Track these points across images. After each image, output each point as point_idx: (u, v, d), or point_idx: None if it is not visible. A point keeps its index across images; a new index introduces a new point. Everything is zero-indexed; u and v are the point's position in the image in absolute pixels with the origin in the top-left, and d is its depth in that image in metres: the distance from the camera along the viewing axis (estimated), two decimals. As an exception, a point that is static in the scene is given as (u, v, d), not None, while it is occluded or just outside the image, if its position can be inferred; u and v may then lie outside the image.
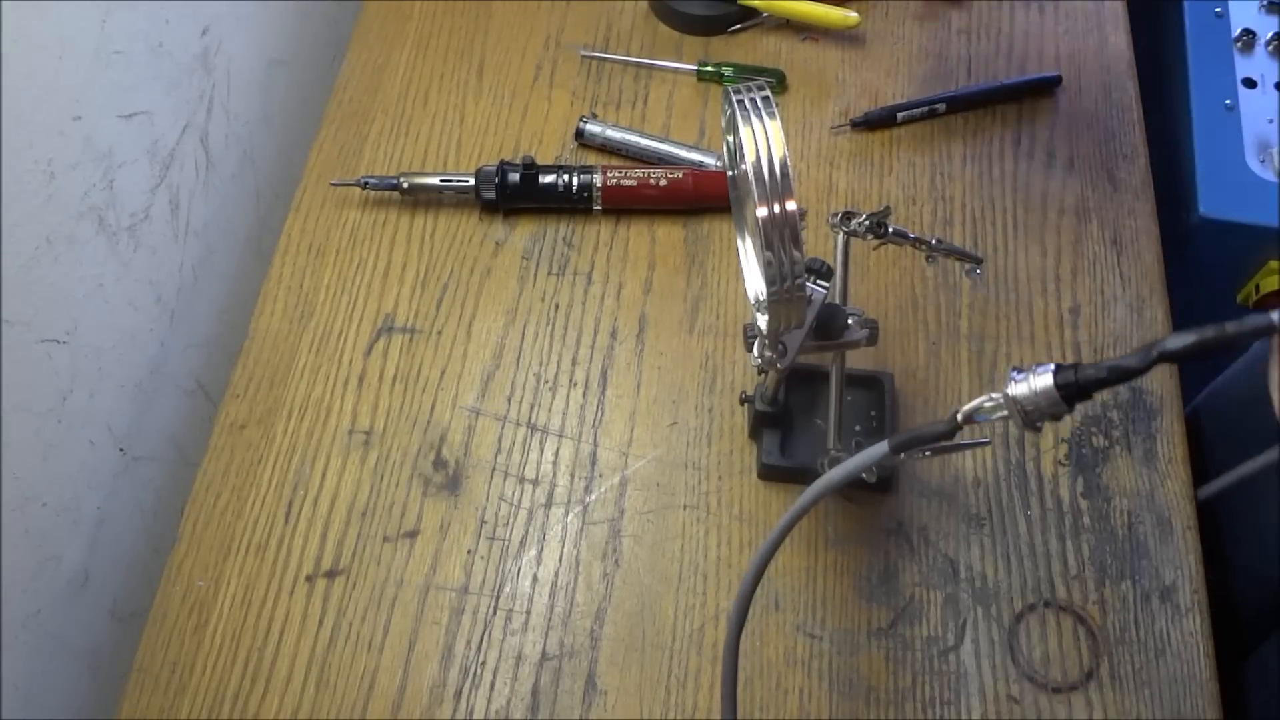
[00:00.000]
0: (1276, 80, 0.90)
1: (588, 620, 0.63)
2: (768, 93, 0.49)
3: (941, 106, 0.82)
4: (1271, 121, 0.88)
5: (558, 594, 0.64)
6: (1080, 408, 0.70)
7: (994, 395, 0.42)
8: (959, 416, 0.42)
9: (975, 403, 0.42)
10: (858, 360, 0.66)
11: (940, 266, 0.75)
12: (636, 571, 0.65)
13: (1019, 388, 0.40)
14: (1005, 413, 0.41)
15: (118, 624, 0.70)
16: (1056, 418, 0.40)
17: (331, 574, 0.65)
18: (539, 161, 0.77)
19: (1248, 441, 0.76)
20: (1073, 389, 0.39)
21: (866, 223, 0.60)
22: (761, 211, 0.47)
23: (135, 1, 0.67)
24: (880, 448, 0.44)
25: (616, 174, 0.77)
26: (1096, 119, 0.83)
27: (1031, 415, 0.40)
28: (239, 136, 0.82)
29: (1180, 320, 0.75)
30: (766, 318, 0.52)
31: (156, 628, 0.64)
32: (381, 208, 0.79)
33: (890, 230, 0.60)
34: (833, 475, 0.45)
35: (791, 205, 0.47)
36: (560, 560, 0.65)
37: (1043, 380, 0.40)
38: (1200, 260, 0.86)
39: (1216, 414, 0.35)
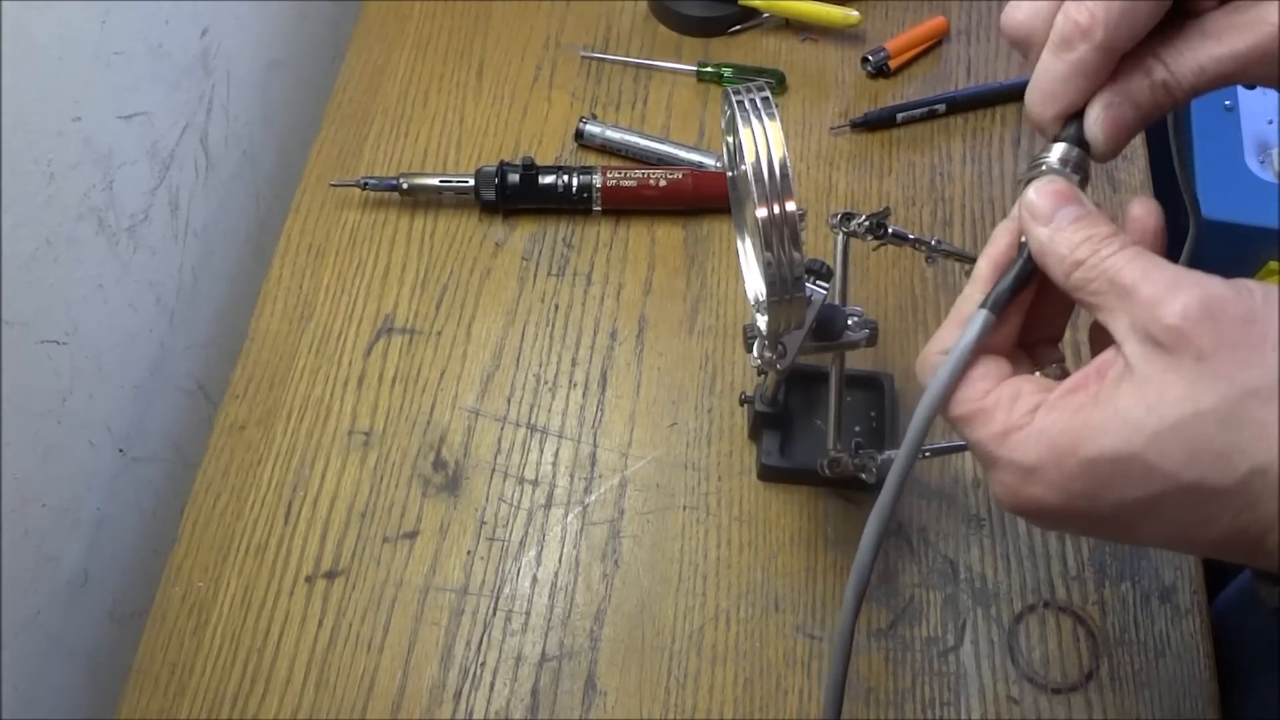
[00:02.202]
0: (1276, 81, 0.90)
1: (587, 621, 0.63)
2: (767, 93, 0.49)
3: (941, 107, 0.82)
4: (1271, 122, 0.88)
5: (557, 595, 0.64)
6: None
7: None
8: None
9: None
10: (858, 360, 0.66)
11: (940, 267, 0.75)
12: (636, 572, 0.65)
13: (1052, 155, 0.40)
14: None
15: (117, 624, 0.70)
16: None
17: (331, 575, 0.65)
18: (539, 162, 0.77)
19: None
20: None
21: (866, 223, 0.60)
22: (761, 212, 0.47)
23: (135, 2, 0.67)
24: (980, 315, 0.40)
25: (616, 175, 0.77)
26: (1096, 119, 0.83)
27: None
28: (239, 137, 0.82)
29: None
30: (766, 318, 0.52)
31: (156, 628, 0.64)
32: (381, 208, 0.79)
33: (890, 231, 0.60)
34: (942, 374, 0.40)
35: (791, 206, 0.47)
36: (560, 561, 0.65)
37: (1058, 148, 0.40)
38: (1200, 260, 0.86)
39: None
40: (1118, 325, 0.35)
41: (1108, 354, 0.37)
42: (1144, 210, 0.40)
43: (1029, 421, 0.37)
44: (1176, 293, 0.33)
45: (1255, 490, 0.33)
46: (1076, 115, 0.40)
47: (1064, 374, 0.41)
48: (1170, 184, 0.87)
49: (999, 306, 0.39)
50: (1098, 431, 0.35)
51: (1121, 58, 0.39)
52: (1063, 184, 0.39)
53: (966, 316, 0.40)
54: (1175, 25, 0.39)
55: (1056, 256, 0.38)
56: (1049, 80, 0.40)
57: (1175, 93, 0.39)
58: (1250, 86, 0.41)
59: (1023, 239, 0.40)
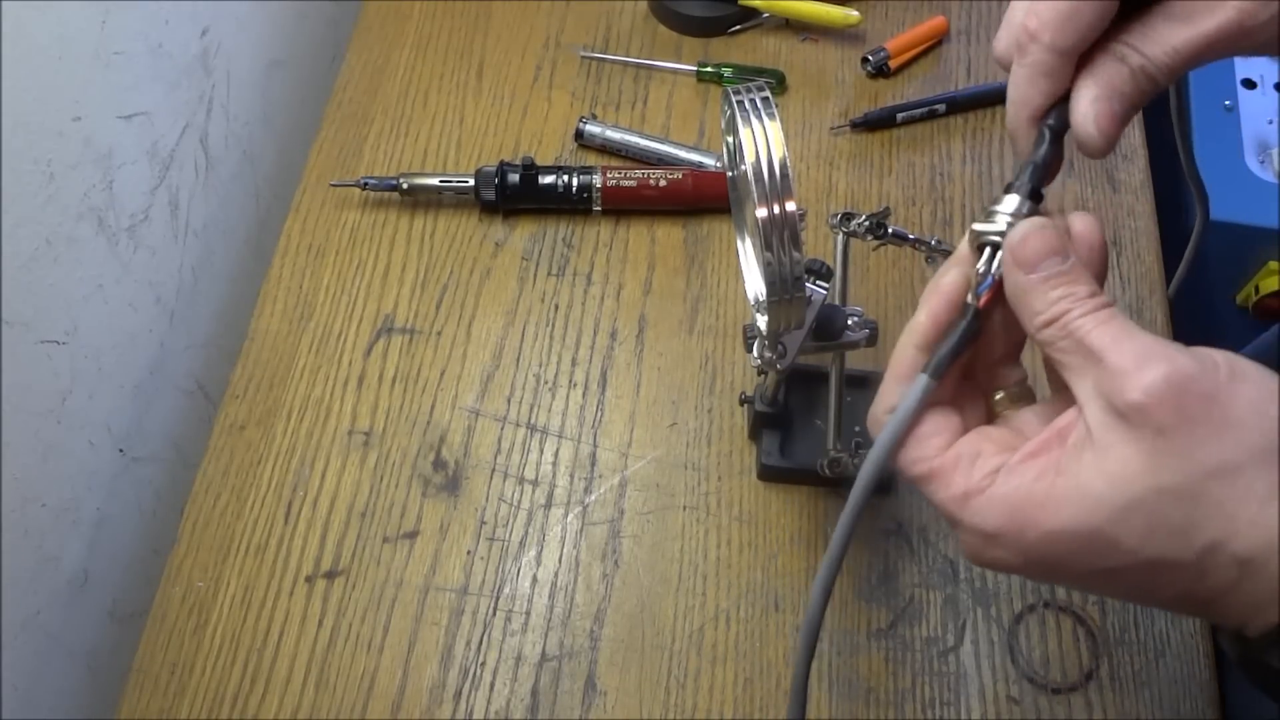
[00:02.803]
0: (1276, 81, 0.90)
1: (587, 621, 0.63)
2: (767, 93, 0.49)
3: (941, 107, 0.82)
4: (1271, 122, 0.88)
5: (557, 595, 0.64)
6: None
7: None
8: (969, 300, 0.40)
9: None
10: (858, 360, 0.66)
11: (940, 267, 0.75)
12: (636, 572, 0.65)
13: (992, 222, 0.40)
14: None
15: (117, 624, 0.70)
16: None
17: (331, 574, 0.65)
18: (539, 162, 0.77)
19: None
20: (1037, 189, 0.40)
21: (866, 223, 0.60)
22: (761, 212, 0.47)
23: (135, 2, 0.67)
24: (921, 381, 0.40)
25: (616, 175, 0.77)
26: (1096, 119, 0.83)
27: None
28: (239, 137, 0.82)
29: (1180, 321, 0.75)
30: (766, 318, 0.52)
31: (156, 628, 0.64)
32: (381, 208, 0.79)
33: (890, 231, 0.60)
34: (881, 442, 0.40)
35: (791, 206, 0.47)
36: (560, 561, 0.65)
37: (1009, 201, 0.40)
38: (1200, 260, 0.86)
39: None
40: (1081, 387, 0.36)
41: (1069, 415, 0.37)
42: (1085, 226, 0.40)
43: (989, 484, 0.37)
44: (1144, 367, 0.34)
45: (1207, 564, 0.34)
46: (1041, 141, 0.40)
47: (1025, 394, 0.41)
48: (1170, 184, 0.87)
49: (939, 372, 0.39)
50: (1060, 503, 0.35)
51: (1094, 51, 0.39)
52: (1053, 234, 0.38)
53: (905, 372, 0.40)
54: (1144, 11, 0.39)
55: (1030, 311, 0.37)
56: (1015, 87, 0.40)
57: (1156, 76, 0.39)
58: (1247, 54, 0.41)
59: (968, 298, 0.40)
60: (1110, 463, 0.34)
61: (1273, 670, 0.35)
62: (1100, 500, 0.34)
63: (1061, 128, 0.40)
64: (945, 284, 0.41)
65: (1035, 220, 0.39)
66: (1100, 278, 0.39)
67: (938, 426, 0.39)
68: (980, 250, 0.40)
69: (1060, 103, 0.40)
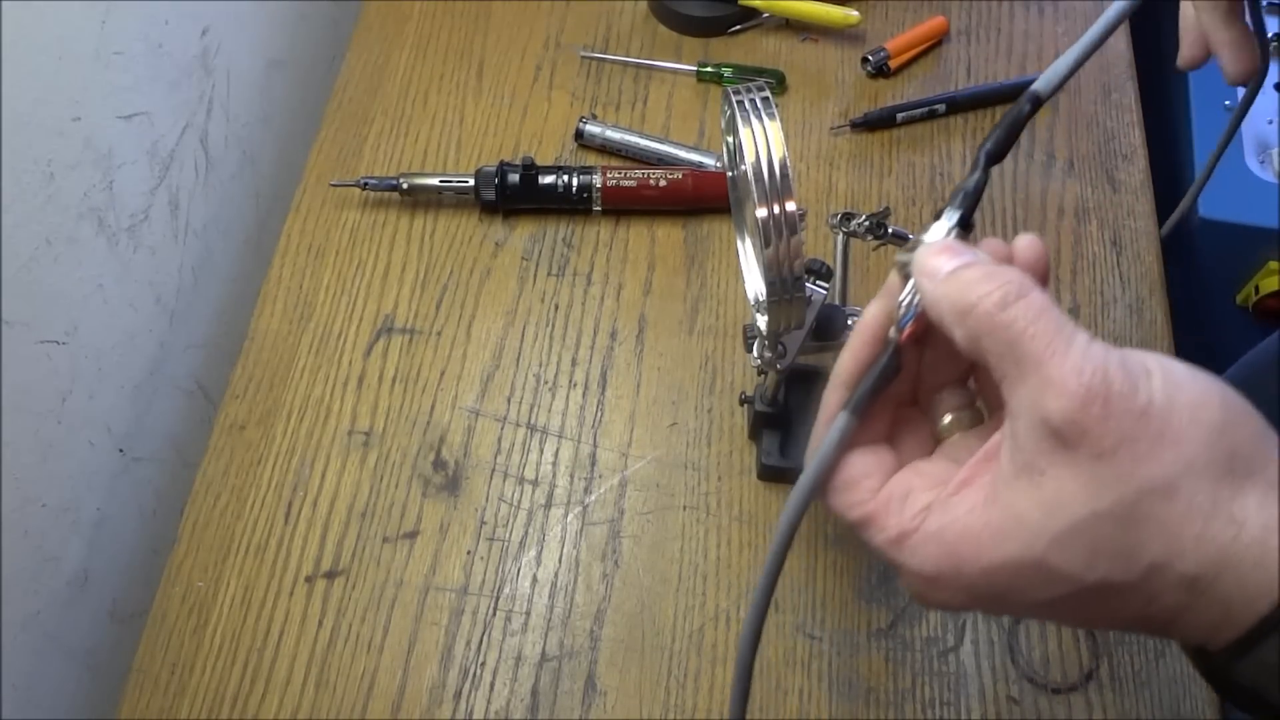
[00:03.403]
0: (1276, 81, 0.90)
1: (587, 621, 0.63)
2: (767, 93, 0.49)
3: (941, 107, 0.82)
4: (1271, 122, 0.88)
5: (557, 595, 0.64)
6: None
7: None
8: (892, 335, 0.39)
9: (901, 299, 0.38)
10: (857, 361, 0.66)
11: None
12: (636, 572, 0.65)
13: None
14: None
15: (117, 624, 0.70)
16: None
17: (331, 575, 0.65)
18: (539, 162, 0.77)
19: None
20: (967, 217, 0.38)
21: (866, 223, 0.60)
22: (761, 212, 0.47)
23: (135, 2, 0.67)
24: (841, 419, 0.38)
25: (616, 175, 0.77)
26: (1096, 120, 0.83)
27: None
28: (239, 137, 0.82)
29: (1180, 321, 0.75)
30: (766, 318, 0.52)
31: (156, 628, 0.64)
32: (381, 208, 0.79)
33: (890, 231, 0.60)
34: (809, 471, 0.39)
35: (791, 206, 0.47)
36: (560, 561, 0.65)
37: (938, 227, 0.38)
38: (1200, 260, 0.86)
39: (1247, 388, 0.34)
40: (1014, 397, 0.34)
41: (996, 439, 0.35)
42: (1024, 243, 0.38)
43: (921, 522, 0.36)
44: (1077, 378, 0.32)
45: (1155, 586, 0.32)
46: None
47: (973, 417, 0.40)
48: (1170, 184, 0.87)
49: (859, 409, 0.38)
50: (996, 537, 0.34)
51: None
52: (959, 242, 0.37)
53: (831, 413, 0.39)
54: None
55: (949, 302, 0.35)
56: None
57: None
58: None
59: (890, 332, 0.38)
60: (1046, 490, 0.33)
61: (1237, 685, 0.34)
62: (1038, 530, 0.33)
63: (997, 156, 0.39)
64: (866, 319, 0.39)
65: (944, 238, 0.37)
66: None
67: (868, 467, 0.38)
68: (906, 280, 0.38)
69: (998, 129, 0.39)
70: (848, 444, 0.38)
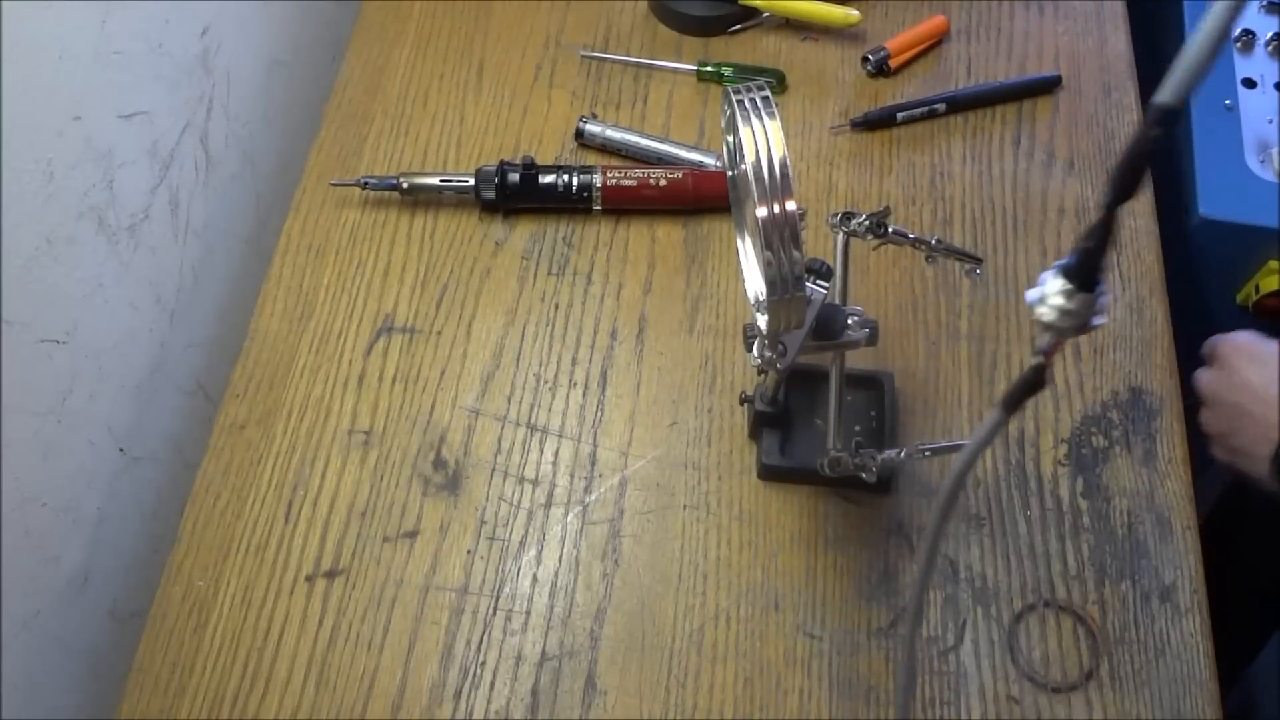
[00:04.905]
0: (1276, 80, 0.90)
1: (587, 620, 0.63)
2: (767, 93, 0.49)
3: (941, 106, 0.82)
4: (1271, 121, 0.88)
5: (557, 594, 0.64)
6: (1080, 408, 0.70)
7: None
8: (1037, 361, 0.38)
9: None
10: (858, 360, 0.66)
11: (940, 266, 0.75)
12: (636, 571, 0.65)
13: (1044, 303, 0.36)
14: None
15: (118, 624, 0.70)
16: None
17: (331, 574, 0.65)
18: (539, 161, 0.77)
19: None
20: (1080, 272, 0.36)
21: (866, 223, 0.60)
22: (761, 211, 0.47)
23: (135, 1, 0.67)
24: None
25: (616, 174, 0.77)
26: (1096, 119, 0.83)
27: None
28: (239, 137, 0.82)
29: (1180, 321, 0.75)
30: (766, 318, 0.52)
31: (156, 628, 0.64)
32: (381, 208, 0.79)
33: (890, 230, 0.60)
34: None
35: (791, 205, 0.47)
36: (560, 560, 0.65)
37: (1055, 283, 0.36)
38: (1200, 260, 0.86)
39: None
40: None
41: None
42: None
43: None
44: None
45: None
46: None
47: None
48: (1170, 184, 0.87)
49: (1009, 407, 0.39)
50: None
51: None
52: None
53: None
54: None
55: None
56: None
57: None
58: None
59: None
60: None
61: None
62: None
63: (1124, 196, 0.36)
64: None
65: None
66: None
67: None
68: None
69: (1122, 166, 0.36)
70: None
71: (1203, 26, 0.32)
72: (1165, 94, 0.34)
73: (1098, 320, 0.37)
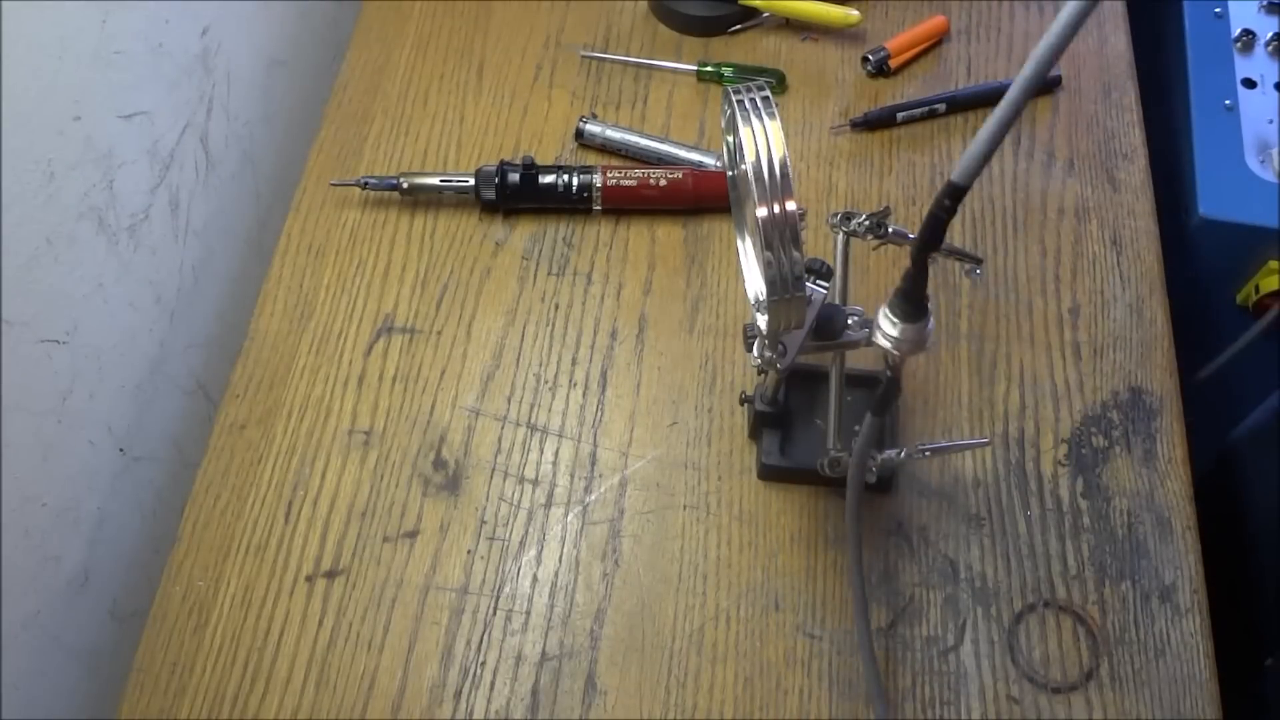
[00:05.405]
0: (1276, 80, 0.90)
1: (587, 620, 0.63)
2: (767, 93, 0.49)
3: (941, 106, 0.82)
4: (1271, 122, 0.88)
5: (557, 594, 0.64)
6: (1080, 408, 0.70)
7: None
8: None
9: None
10: (858, 360, 0.66)
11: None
12: (636, 571, 0.65)
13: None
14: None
15: (118, 624, 0.70)
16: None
17: (331, 574, 0.65)
18: (539, 161, 0.77)
19: None
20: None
21: (866, 223, 0.60)
22: (761, 211, 0.47)
23: (135, 1, 0.67)
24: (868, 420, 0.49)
25: (616, 174, 0.77)
26: (1096, 119, 0.83)
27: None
28: (239, 137, 0.82)
29: (1180, 320, 0.75)
30: (766, 318, 0.52)
31: (156, 628, 0.64)
32: (381, 208, 0.79)
33: (890, 230, 0.60)
34: None
35: (791, 205, 0.47)
36: (560, 560, 0.65)
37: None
38: (1200, 260, 0.86)
39: (1254, 451, 0.37)
40: None
41: None
42: None
43: None
44: None
45: None
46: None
47: None
48: (1170, 184, 0.87)
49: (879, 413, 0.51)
50: None
51: None
52: None
53: None
54: None
55: None
56: None
57: None
58: None
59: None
60: None
61: None
62: None
63: (928, 249, 0.49)
64: None
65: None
66: None
67: None
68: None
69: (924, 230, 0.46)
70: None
71: (993, 114, 0.40)
72: (957, 175, 0.44)
73: (929, 343, 0.48)
